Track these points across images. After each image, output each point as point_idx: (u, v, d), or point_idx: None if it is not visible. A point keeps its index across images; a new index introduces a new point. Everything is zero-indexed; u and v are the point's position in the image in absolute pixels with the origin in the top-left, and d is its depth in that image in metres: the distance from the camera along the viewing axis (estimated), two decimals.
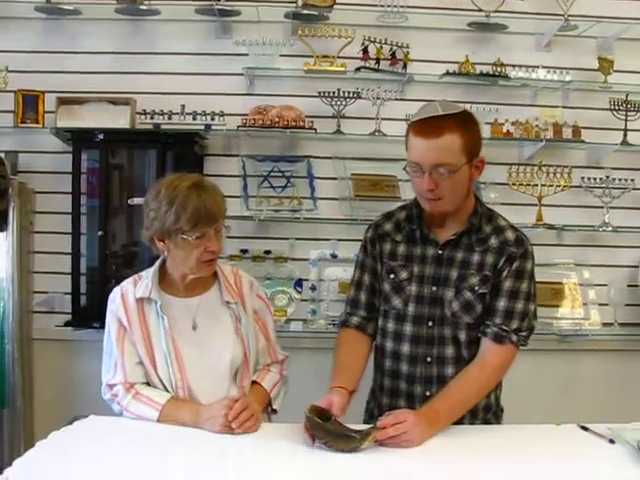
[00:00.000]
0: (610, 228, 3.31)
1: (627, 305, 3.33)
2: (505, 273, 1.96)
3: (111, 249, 3.11)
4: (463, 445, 1.80)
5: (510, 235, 2.00)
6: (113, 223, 3.11)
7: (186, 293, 2.06)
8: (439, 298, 2.00)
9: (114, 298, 2.06)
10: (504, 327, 1.95)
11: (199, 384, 2.01)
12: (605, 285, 3.34)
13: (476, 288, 1.97)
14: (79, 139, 3.06)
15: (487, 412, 2.08)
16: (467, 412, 1.98)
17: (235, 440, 1.82)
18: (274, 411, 2.16)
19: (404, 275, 2.04)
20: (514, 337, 1.95)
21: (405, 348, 2.04)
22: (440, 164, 1.87)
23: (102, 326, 2.08)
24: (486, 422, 2.07)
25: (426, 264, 2.02)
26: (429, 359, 2.03)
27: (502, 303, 1.96)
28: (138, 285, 2.05)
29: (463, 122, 1.91)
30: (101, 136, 3.02)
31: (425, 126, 1.89)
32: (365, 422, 2.18)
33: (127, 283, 2.08)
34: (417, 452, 1.75)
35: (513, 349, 1.97)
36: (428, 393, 2.03)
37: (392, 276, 2.05)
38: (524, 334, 1.97)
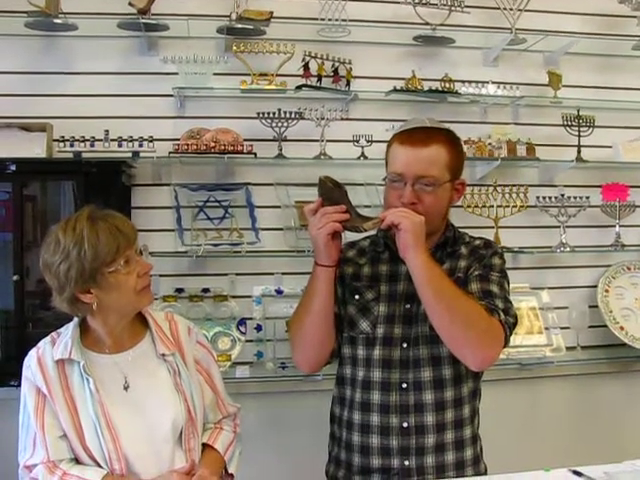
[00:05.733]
0: (568, 248, 3.19)
1: (590, 327, 3.19)
2: (474, 267, 1.91)
3: (27, 290, 2.74)
4: None
5: (478, 241, 1.99)
6: (27, 261, 2.74)
7: (114, 348, 1.82)
8: (413, 315, 1.87)
9: (29, 363, 1.78)
10: (490, 303, 1.80)
11: (137, 453, 1.76)
12: (566, 308, 3.21)
13: None
14: None
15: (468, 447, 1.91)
16: (451, 446, 1.86)
17: None
18: (230, 476, 1.93)
19: (370, 295, 1.94)
20: (502, 315, 1.80)
21: (376, 374, 1.87)
22: (424, 176, 1.81)
23: (21, 384, 1.80)
24: (474, 458, 1.94)
25: (398, 282, 1.93)
26: (404, 385, 1.86)
27: (475, 286, 1.86)
28: (56, 344, 1.78)
29: (450, 139, 1.89)
30: (13, 167, 2.67)
31: (412, 136, 1.86)
32: (331, 474, 2.00)
33: (44, 343, 1.81)
34: None
35: (501, 328, 1.79)
36: (405, 424, 1.85)
37: (357, 297, 1.95)
38: (511, 320, 1.82)
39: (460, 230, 2.04)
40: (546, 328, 3.19)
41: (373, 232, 1.99)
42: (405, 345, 1.88)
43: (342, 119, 3.01)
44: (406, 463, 1.86)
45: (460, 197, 1.99)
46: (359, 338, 1.93)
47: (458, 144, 1.94)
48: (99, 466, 1.72)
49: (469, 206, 3.09)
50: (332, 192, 1.82)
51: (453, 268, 1.92)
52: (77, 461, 1.74)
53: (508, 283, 1.94)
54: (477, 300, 1.81)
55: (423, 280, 1.75)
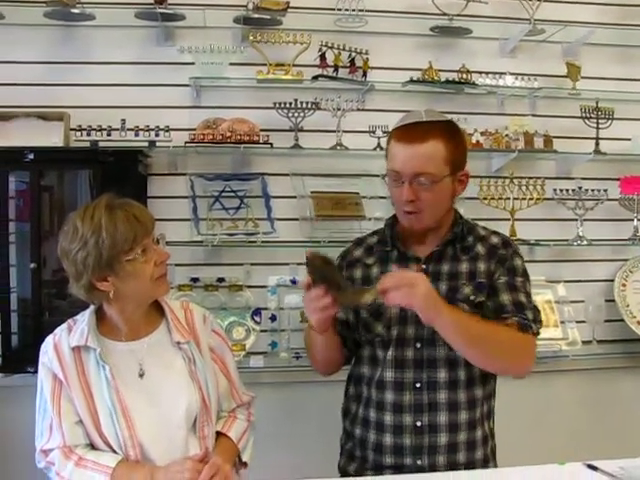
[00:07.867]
0: (585, 242, 3.16)
1: (606, 321, 3.17)
2: (499, 273, 1.89)
3: (44, 278, 2.76)
4: None
5: (495, 240, 1.95)
6: (44, 250, 2.76)
7: (130, 336, 1.83)
8: None
9: (46, 350, 1.79)
10: (523, 317, 1.81)
11: (152, 440, 1.76)
12: (582, 301, 3.19)
13: (472, 298, 1.86)
14: (6, 159, 2.72)
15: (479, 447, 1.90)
16: (464, 446, 1.85)
17: None
18: (244, 464, 1.93)
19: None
20: (534, 327, 1.83)
21: (388, 374, 1.87)
22: (421, 173, 1.79)
23: (37, 370, 1.82)
24: (484, 459, 1.91)
25: None
26: (418, 385, 1.86)
27: (505, 297, 1.86)
28: (73, 331, 1.79)
29: (448, 131, 1.85)
30: (31, 156, 2.69)
31: (408, 132, 1.82)
32: (343, 467, 2.01)
33: (60, 330, 1.82)
34: None
35: (534, 340, 1.84)
36: (419, 423, 1.85)
37: None
38: (539, 327, 1.87)
39: (470, 221, 2.02)
40: (562, 322, 3.16)
41: (380, 227, 2.02)
42: (419, 345, 1.87)
43: (358, 110, 3.00)
44: (418, 462, 1.86)
45: (464, 188, 1.94)
46: (376, 341, 1.93)
47: (457, 136, 1.89)
48: (114, 452, 1.73)
49: (485, 198, 3.07)
50: (321, 270, 1.73)
51: (473, 271, 1.90)
52: (92, 447, 1.75)
53: (529, 282, 1.93)
54: (510, 315, 1.82)
55: (455, 336, 1.75)
